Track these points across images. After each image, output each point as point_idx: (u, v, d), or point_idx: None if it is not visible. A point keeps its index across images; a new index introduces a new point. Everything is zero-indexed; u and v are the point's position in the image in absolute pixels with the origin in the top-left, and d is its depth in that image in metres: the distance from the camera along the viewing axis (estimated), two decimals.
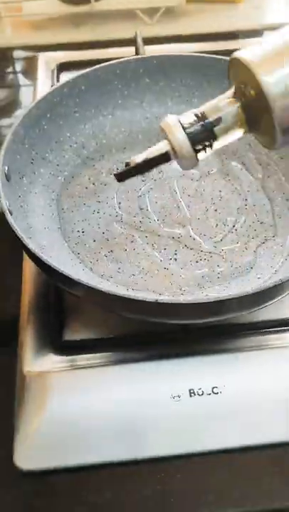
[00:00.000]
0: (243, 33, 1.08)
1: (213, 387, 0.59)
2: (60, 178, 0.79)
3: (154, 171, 0.76)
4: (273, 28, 1.13)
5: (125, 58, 0.84)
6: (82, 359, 0.61)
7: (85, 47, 1.09)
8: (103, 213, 0.76)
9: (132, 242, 0.72)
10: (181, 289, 0.66)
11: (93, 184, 0.79)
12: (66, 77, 0.88)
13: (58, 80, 1.04)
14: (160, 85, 0.86)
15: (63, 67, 1.06)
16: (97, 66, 0.82)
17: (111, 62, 0.83)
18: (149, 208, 0.76)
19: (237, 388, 0.60)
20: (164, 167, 0.79)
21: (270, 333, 0.64)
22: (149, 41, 1.00)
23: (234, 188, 0.79)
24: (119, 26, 1.13)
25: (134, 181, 0.78)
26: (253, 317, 0.65)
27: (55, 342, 0.63)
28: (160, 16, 1.12)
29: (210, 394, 0.59)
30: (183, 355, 0.62)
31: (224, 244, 0.72)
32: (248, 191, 0.78)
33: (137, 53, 0.97)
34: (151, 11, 1.13)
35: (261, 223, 0.74)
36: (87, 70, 0.81)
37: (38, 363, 0.60)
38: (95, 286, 0.54)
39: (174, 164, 0.60)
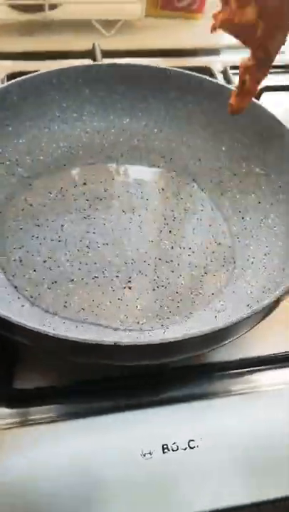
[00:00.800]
0: (201, 51, 1.06)
1: (190, 441, 0.52)
2: None
3: (101, 188, 0.68)
4: (231, 47, 1.10)
5: (63, 67, 0.75)
6: (36, 412, 0.53)
7: (39, 57, 1.00)
8: (43, 238, 0.66)
9: (78, 270, 0.63)
10: (138, 323, 0.59)
11: (30, 205, 0.70)
12: None
13: None
14: (101, 97, 0.79)
15: (13, 78, 0.94)
16: (32, 74, 0.73)
17: (47, 70, 0.74)
18: (95, 231, 0.67)
19: (216, 440, 0.53)
20: (110, 184, 0.72)
21: (247, 373, 0.58)
22: (106, 54, 0.94)
23: (187, 206, 0.73)
24: (76, 37, 1.06)
25: (79, 201, 0.69)
26: (225, 355, 0.59)
27: (3, 392, 0.54)
28: (118, 29, 1.07)
29: (185, 448, 0.52)
30: (152, 404, 0.54)
31: (182, 269, 0.65)
32: (202, 210, 0.72)
33: None
34: (109, 24, 1.08)
35: (219, 244, 0.68)
36: (21, 78, 0.72)
37: None
38: (36, 328, 0.45)
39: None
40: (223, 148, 0.77)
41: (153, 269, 0.65)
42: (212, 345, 0.51)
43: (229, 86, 0.76)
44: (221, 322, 0.56)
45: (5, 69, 0.96)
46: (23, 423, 0.53)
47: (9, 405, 0.54)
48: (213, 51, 1.10)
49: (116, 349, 0.45)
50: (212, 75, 0.99)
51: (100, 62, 0.79)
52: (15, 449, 0.51)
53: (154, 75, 0.78)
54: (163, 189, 0.75)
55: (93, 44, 0.94)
